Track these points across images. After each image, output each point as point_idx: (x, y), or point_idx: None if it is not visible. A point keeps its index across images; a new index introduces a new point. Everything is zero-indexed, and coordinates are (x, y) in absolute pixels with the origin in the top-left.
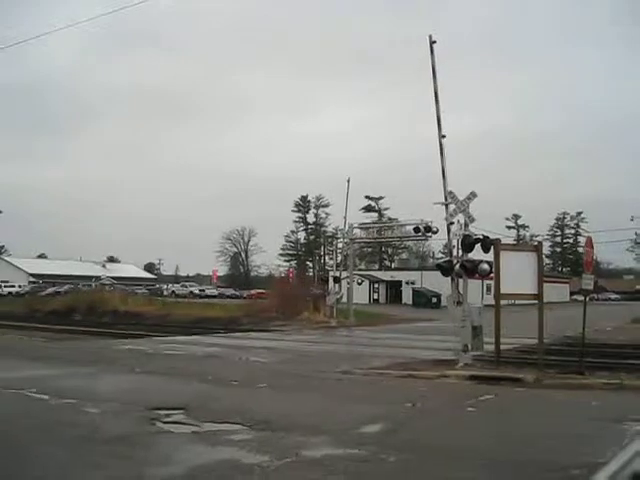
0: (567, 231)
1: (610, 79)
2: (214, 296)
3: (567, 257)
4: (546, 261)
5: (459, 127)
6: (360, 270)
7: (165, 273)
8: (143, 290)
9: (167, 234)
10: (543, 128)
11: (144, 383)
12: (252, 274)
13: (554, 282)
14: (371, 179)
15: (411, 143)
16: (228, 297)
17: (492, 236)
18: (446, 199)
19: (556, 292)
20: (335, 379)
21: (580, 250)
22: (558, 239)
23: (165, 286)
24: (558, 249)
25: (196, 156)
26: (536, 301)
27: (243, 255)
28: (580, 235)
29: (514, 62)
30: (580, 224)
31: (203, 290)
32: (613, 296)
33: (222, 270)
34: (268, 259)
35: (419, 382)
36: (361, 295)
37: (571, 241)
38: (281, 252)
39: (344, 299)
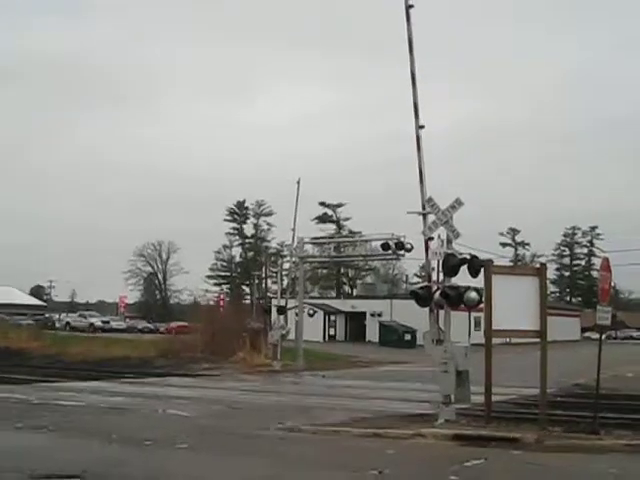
0: (578, 250)
1: None
2: (122, 330)
3: (578, 284)
4: (551, 288)
5: (449, 118)
6: (312, 298)
7: (57, 299)
8: (28, 321)
9: (60, 247)
10: (561, 128)
11: (27, 443)
12: (172, 302)
13: (561, 315)
14: (329, 182)
15: (383, 139)
16: (140, 331)
17: (482, 256)
18: (424, 207)
19: (564, 328)
20: (278, 438)
21: (594, 275)
22: (566, 260)
23: (57, 316)
24: (566, 273)
25: (102, 145)
26: (538, 339)
27: (160, 277)
28: (594, 256)
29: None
30: (594, 242)
31: (107, 322)
32: (635, 334)
33: (133, 296)
34: (193, 282)
35: (387, 443)
36: (313, 330)
37: (583, 263)
38: (210, 274)
39: (291, 335)
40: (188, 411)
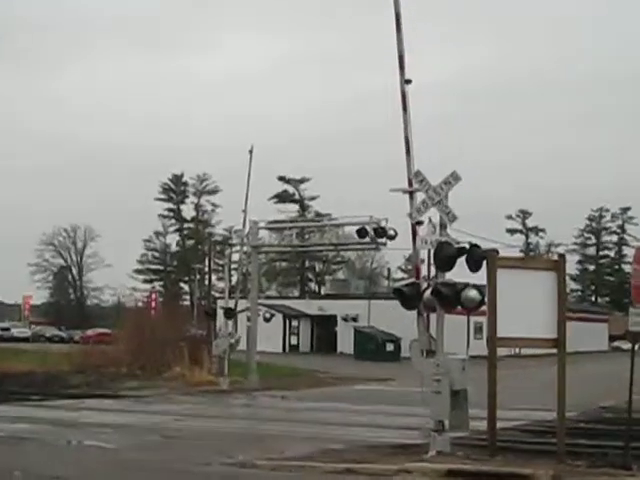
0: (606, 238)
1: None
2: (26, 339)
3: (605, 280)
4: (572, 286)
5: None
6: (269, 298)
7: None
8: None
9: None
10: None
11: None
12: (89, 303)
13: (584, 320)
14: (290, 154)
15: (360, 101)
16: (49, 340)
17: (485, 245)
18: (410, 184)
19: (588, 336)
20: (225, 476)
21: (626, 269)
22: (591, 251)
23: None
24: (591, 267)
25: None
26: (555, 350)
27: (74, 271)
28: (626, 245)
29: None
30: (626, 227)
31: (7, 329)
32: None
33: (40, 296)
34: (116, 279)
35: None
36: (270, 339)
37: (612, 254)
38: (138, 267)
39: (242, 345)
40: (110, 442)
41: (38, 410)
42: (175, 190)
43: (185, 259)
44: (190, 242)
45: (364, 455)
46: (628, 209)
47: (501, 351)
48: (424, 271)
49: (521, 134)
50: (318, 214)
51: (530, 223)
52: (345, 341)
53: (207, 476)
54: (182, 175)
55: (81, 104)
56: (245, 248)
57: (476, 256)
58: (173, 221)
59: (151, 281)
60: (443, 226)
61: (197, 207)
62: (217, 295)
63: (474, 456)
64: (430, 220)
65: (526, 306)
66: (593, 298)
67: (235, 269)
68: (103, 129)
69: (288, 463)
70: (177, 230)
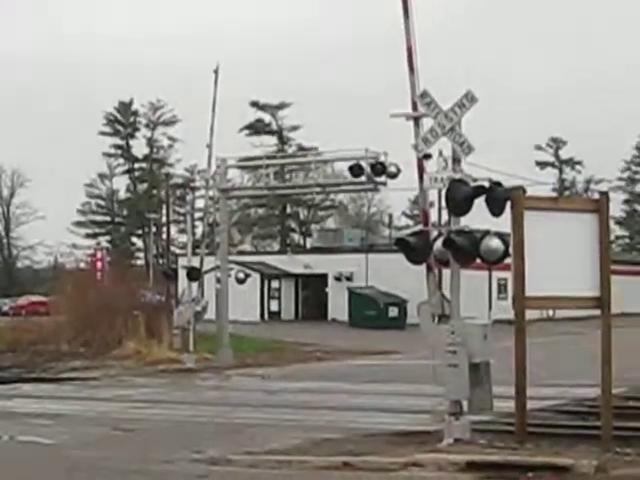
0: None
1: None
2: None
3: None
4: (617, 231)
5: None
6: (243, 254)
7: None
8: None
9: None
10: None
11: None
12: (20, 265)
13: (633, 274)
14: (266, 73)
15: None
16: None
17: (509, 182)
18: (415, 107)
19: (638, 293)
20: (193, 476)
21: None
22: None
23: None
24: None
25: None
26: (597, 311)
27: (0, 226)
28: None
29: None
30: None
31: None
32: None
33: None
34: (52, 234)
35: (365, 479)
36: (246, 305)
37: None
38: (79, 219)
39: (210, 314)
40: (49, 437)
41: None
42: (123, 122)
43: (137, 208)
44: (143, 186)
45: (364, 446)
46: None
47: (530, 313)
48: (434, 216)
49: (552, 45)
50: (301, 148)
51: (564, 154)
52: (338, 305)
53: (169, 477)
54: (131, 102)
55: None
56: (211, 192)
57: (498, 196)
58: (121, 160)
59: (95, 236)
60: (456, 160)
61: (150, 142)
62: (178, 252)
63: (500, 444)
64: (440, 153)
65: (560, 258)
66: None
67: (200, 219)
68: (30, 42)
69: (271, 458)
70: (126, 171)
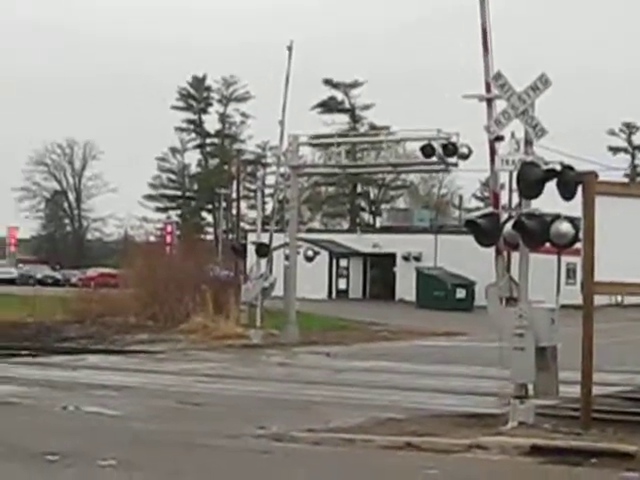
0: None
1: None
2: (12, 280)
3: None
4: None
5: None
6: (312, 232)
7: None
8: None
9: None
10: None
11: None
12: (90, 237)
13: None
14: (338, 51)
15: None
16: (41, 283)
17: (581, 167)
18: (488, 89)
19: None
20: (258, 452)
21: None
22: None
23: None
24: None
25: None
26: None
27: (72, 198)
28: None
29: None
30: None
31: None
32: None
33: (29, 228)
34: (123, 207)
35: (428, 459)
36: (314, 283)
37: None
38: (150, 193)
39: (278, 290)
40: (115, 408)
41: (28, 369)
42: (196, 97)
43: (208, 182)
44: (214, 161)
45: (428, 426)
46: None
47: (599, 299)
48: (504, 199)
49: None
50: (373, 127)
51: (637, 140)
52: (406, 286)
53: (233, 452)
54: (204, 78)
55: None
56: (282, 169)
57: (569, 180)
58: (193, 135)
59: (166, 210)
60: (529, 142)
61: (223, 118)
62: (247, 228)
63: (564, 429)
64: (513, 135)
65: (631, 244)
66: None
67: (270, 195)
68: (106, 21)
69: (334, 435)
70: (198, 146)
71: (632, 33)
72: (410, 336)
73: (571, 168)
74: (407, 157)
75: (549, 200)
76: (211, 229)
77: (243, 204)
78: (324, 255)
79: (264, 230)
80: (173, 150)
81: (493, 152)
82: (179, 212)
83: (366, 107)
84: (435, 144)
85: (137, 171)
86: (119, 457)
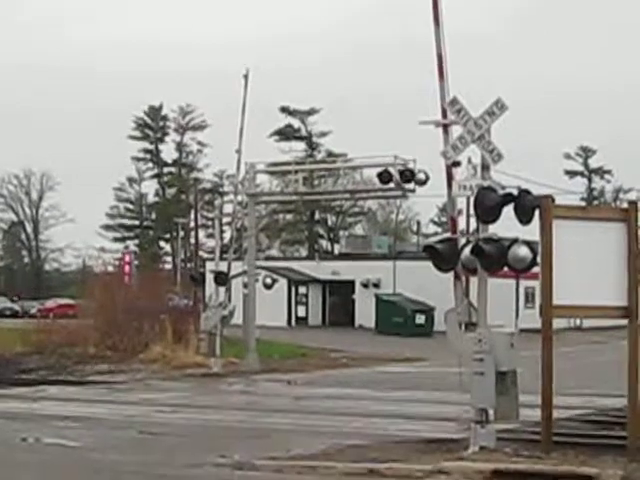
0: None
1: None
2: None
3: None
4: None
5: None
6: (271, 260)
7: None
8: None
9: None
10: None
11: None
12: (48, 268)
13: None
14: (296, 81)
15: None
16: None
17: (538, 190)
18: (445, 115)
19: None
20: None
21: None
22: None
23: None
24: None
25: None
26: (625, 321)
27: (29, 228)
28: None
29: None
30: None
31: None
32: None
33: None
34: (81, 237)
35: None
36: (273, 310)
37: None
38: (107, 223)
39: (237, 319)
40: (75, 439)
41: None
42: (152, 126)
43: (166, 212)
44: (171, 191)
45: (390, 453)
46: None
47: (557, 322)
48: (462, 224)
49: (581, 54)
50: (330, 154)
51: (593, 163)
52: (365, 312)
53: None
54: (161, 107)
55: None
56: (240, 197)
57: (527, 204)
58: (150, 165)
59: (124, 239)
60: (485, 167)
61: (180, 147)
62: (206, 256)
63: (525, 452)
64: (469, 160)
65: (589, 266)
66: None
67: (228, 224)
68: (63, 52)
69: (296, 463)
70: (155, 176)
71: (587, 60)
72: (370, 362)
73: (528, 192)
74: (364, 184)
75: (507, 225)
76: (169, 258)
77: (201, 233)
78: (283, 282)
79: (222, 258)
80: (130, 180)
81: (450, 177)
82: (137, 242)
83: (323, 134)
84: (392, 170)
85: (95, 201)
86: None
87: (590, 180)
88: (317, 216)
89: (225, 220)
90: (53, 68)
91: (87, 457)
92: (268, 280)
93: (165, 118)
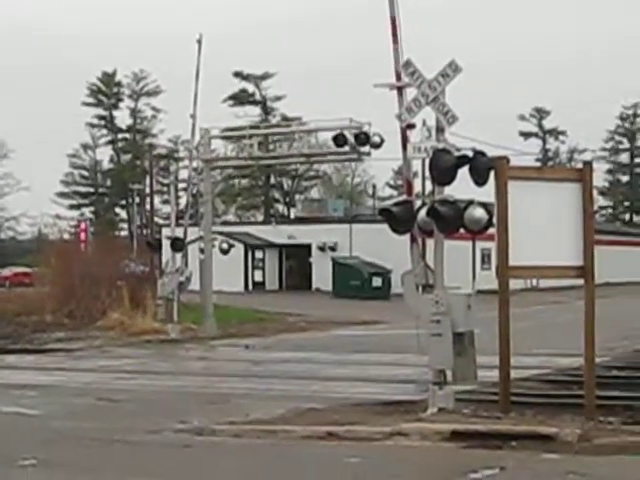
0: None
1: None
2: None
3: None
4: (600, 201)
5: None
6: (227, 225)
7: None
8: None
9: None
10: None
11: None
12: (3, 236)
13: (617, 244)
14: (250, 45)
15: None
16: None
17: (492, 152)
18: (399, 77)
19: (621, 263)
20: (179, 446)
21: None
22: (624, 158)
23: None
24: (624, 177)
25: None
26: (581, 281)
27: None
28: None
29: None
30: None
31: None
32: None
33: None
34: (36, 205)
35: (349, 448)
36: (229, 275)
37: None
38: (62, 190)
39: (194, 284)
40: (34, 407)
41: None
42: (106, 92)
43: (121, 178)
44: (126, 157)
45: (348, 415)
46: None
47: (514, 283)
48: (418, 186)
49: (537, 18)
50: (285, 118)
51: (548, 124)
52: (322, 276)
53: (154, 447)
54: (114, 73)
55: None
56: (195, 163)
57: (481, 166)
58: (104, 131)
59: (79, 207)
60: (440, 130)
61: (134, 113)
62: (161, 222)
63: (483, 413)
64: (424, 123)
65: (544, 227)
66: (627, 216)
67: (184, 189)
68: (11, 15)
69: (255, 427)
70: (110, 142)
71: (541, 22)
72: (327, 326)
73: (483, 154)
74: (319, 147)
75: (462, 187)
76: (125, 225)
77: (157, 199)
78: (239, 247)
79: (178, 224)
80: (85, 146)
81: (405, 140)
82: (92, 209)
83: (277, 98)
84: (347, 133)
85: (49, 169)
86: (39, 456)
87: (545, 141)
88: (273, 180)
89: (180, 186)
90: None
91: (46, 425)
92: (224, 245)
93: (119, 84)
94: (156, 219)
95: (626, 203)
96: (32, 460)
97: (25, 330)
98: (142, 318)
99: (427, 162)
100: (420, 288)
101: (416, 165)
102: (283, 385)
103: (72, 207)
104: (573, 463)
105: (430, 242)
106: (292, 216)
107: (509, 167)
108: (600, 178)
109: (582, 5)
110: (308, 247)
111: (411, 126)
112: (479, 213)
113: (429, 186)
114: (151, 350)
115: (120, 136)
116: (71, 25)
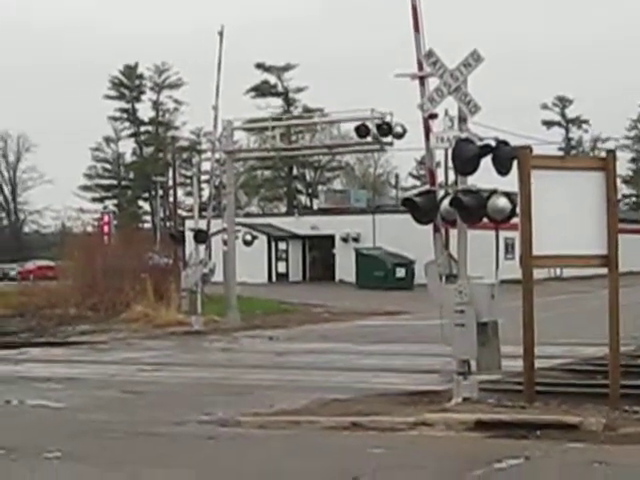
0: None
1: None
2: None
3: None
4: (624, 190)
5: None
6: (250, 216)
7: None
8: None
9: None
10: None
11: None
12: (27, 230)
13: None
14: (272, 37)
15: None
16: None
17: (516, 141)
18: (421, 67)
19: None
20: (202, 437)
21: None
22: None
23: None
24: None
25: None
26: (605, 270)
27: (7, 191)
28: None
29: None
30: None
31: None
32: None
33: None
34: (59, 198)
35: (374, 438)
36: (253, 267)
37: None
38: (85, 183)
39: (218, 276)
40: (59, 400)
41: None
42: (128, 85)
43: (143, 171)
44: (149, 149)
45: (373, 406)
46: None
47: (538, 273)
48: (441, 176)
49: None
50: (307, 110)
51: (571, 113)
52: (345, 266)
53: (179, 438)
54: (136, 66)
55: None
56: (218, 155)
57: (504, 155)
58: (127, 124)
59: (102, 200)
60: (463, 119)
61: (156, 105)
62: (185, 214)
63: (508, 403)
64: (446, 112)
65: (567, 216)
66: None
67: (206, 181)
68: (38, 9)
69: (279, 418)
70: (132, 135)
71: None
72: (351, 317)
73: (506, 143)
74: (342, 138)
75: (486, 176)
76: (148, 217)
77: (180, 191)
78: (262, 239)
79: (201, 216)
80: (107, 139)
81: (428, 130)
82: (116, 202)
83: (299, 90)
84: (369, 124)
85: (72, 162)
86: (64, 449)
87: (567, 130)
88: (295, 172)
89: (203, 178)
90: (28, 27)
91: (72, 418)
92: (248, 237)
93: (141, 77)
94: (179, 211)
95: None
96: (57, 452)
97: (49, 323)
98: (166, 310)
99: (450, 152)
100: (444, 278)
101: (439, 155)
102: (307, 376)
103: (95, 200)
104: (598, 452)
105: (453, 232)
106: (315, 207)
107: (532, 156)
108: (623, 167)
109: None
110: (331, 238)
111: (433, 116)
112: (502, 202)
113: (452, 176)
114: (175, 342)
115: (142, 129)
116: (92, 20)
